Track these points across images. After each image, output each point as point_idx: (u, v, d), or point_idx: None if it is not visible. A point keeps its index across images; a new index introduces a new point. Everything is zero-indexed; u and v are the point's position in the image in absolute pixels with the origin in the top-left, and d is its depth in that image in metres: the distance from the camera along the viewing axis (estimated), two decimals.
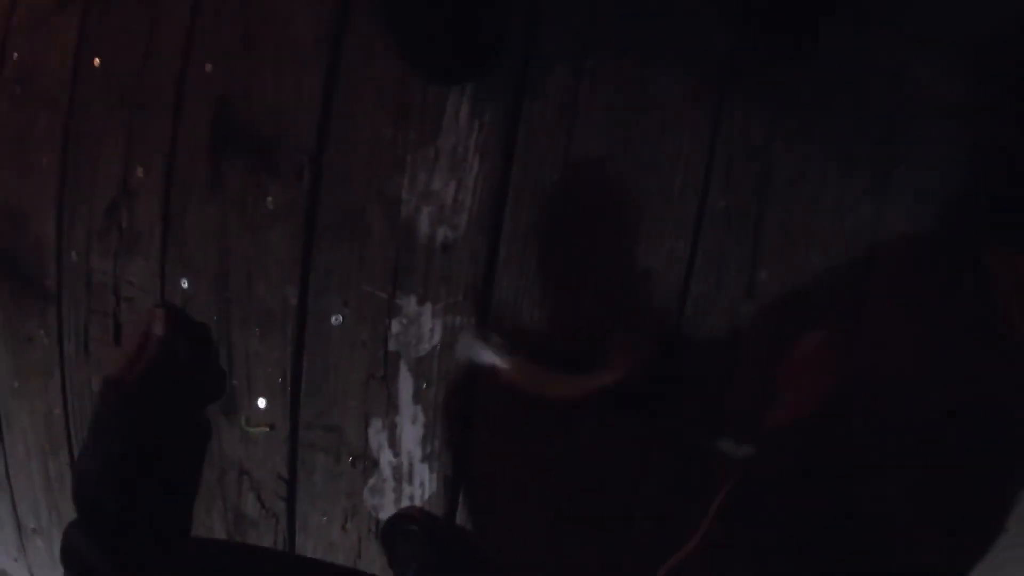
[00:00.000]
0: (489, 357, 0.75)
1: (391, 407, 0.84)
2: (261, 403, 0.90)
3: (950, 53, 0.61)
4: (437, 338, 0.81)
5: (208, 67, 0.90)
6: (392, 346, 0.83)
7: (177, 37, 0.92)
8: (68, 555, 0.32)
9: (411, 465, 0.85)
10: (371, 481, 0.87)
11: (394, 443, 0.85)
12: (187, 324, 0.37)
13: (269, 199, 0.85)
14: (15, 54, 1.14)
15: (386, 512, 0.88)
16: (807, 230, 0.66)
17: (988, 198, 0.61)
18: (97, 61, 1.02)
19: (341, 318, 0.84)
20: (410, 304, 0.81)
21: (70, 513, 1.18)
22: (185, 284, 0.92)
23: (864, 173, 0.64)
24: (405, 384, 0.83)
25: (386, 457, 0.86)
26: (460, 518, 0.85)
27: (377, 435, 0.86)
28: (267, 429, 0.91)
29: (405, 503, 0.87)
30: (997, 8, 0.59)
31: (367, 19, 0.82)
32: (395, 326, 0.82)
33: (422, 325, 0.81)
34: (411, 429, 0.84)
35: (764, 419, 0.60)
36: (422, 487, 0.85)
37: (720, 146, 0.69)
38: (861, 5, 0.63)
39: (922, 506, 0.64)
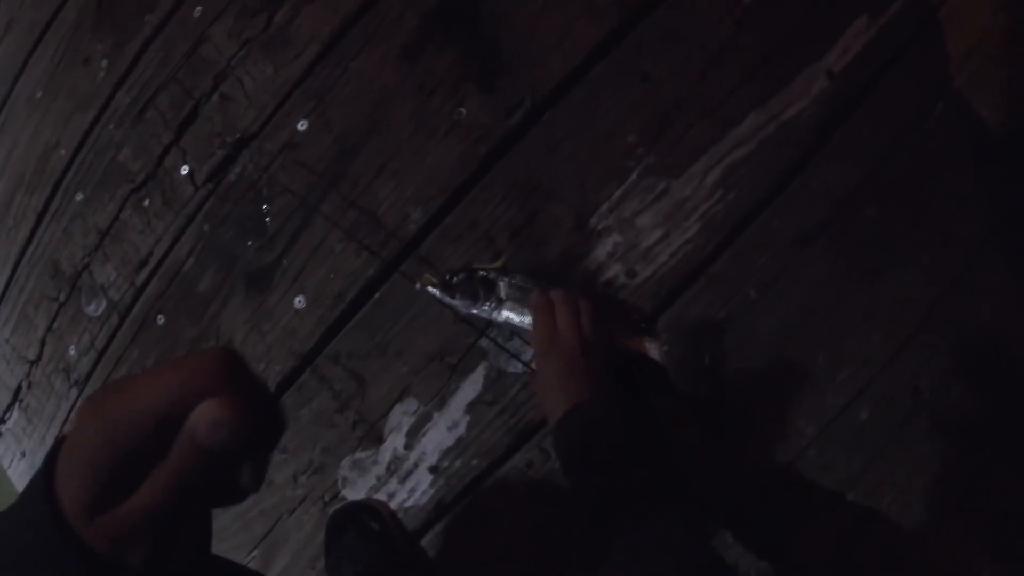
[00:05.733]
0: None
1: (438, 399, 0.71)
2: (299, 301, 0.75)
3: None
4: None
5: None
6: (484, 342, 0.70)
7: None
8: None
9: (415, 466, 0.72)
10: (361, 454, 0.74)
11: (413, 434, 0.72)
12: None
13: (462, 110, 0.71)
14: None
15: (353, 493, 0.74)
16: None
17: None
18: None
19: (457, 279, 0.70)
20: (524, 312, 0.68)
21: (4, 255, 0.97)
22: (302, 127, 0.77)
23: None
24: (470, 387, 0.70)
25: (394, 442, 0.73)
26: (426, 543, 0.72)
27: (402, 416, 0.72)
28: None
29: (381, 497, 0.73)
30: None
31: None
32: (497, 315, 0.69)
33: (528, 348, 0.69)
34: (442, 434, 0.71)
35: None
36: (410, 493, 0.72)
37: None
38: None
39: None
